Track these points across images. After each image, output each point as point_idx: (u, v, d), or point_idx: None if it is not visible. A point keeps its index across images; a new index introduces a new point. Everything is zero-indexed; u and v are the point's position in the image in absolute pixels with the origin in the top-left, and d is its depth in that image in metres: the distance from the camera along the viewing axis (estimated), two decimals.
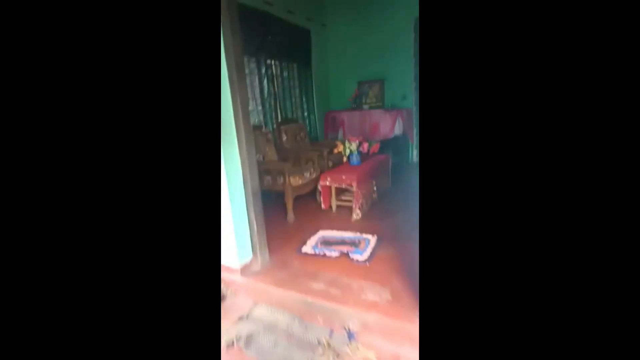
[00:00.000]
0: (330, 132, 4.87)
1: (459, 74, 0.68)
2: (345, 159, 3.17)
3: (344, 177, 2.75)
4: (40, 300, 0.63)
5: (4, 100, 0.61)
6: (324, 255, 2.12)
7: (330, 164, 3.43)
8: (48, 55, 0.63)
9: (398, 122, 4.39)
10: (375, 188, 3.11)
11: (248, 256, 2.00)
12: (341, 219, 2.78)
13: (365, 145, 3.08)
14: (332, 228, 2.57)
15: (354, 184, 2.70)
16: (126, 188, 0.68)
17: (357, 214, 2.74)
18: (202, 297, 0.73)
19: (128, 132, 0.68)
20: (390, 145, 4.24)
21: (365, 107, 4.64)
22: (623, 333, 0.59)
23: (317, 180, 3.04)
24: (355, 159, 3.08)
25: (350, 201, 2.95)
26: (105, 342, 0.66)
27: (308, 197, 3.18)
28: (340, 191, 3.03)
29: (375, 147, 3.19)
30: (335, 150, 3.18)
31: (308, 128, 4.55)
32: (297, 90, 4.49)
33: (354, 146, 3.01)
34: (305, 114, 4.67)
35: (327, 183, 2.84)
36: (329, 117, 4.87)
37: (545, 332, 0.63)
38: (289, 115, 4.30)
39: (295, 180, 2.75)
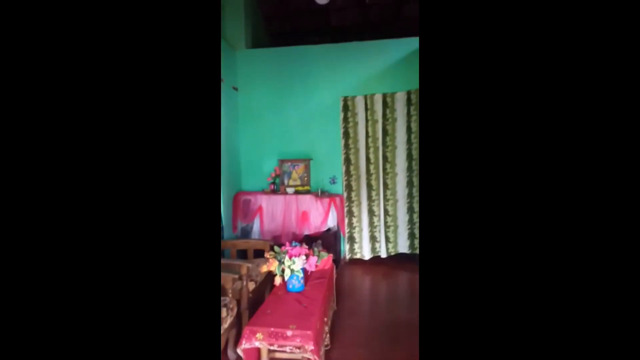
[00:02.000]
0: (242, 222, 3.61)
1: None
2: (278, 280, 1.96)
3: (289, 332, 1.51)
4: (41, 299, 0.62)
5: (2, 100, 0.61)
6: None
7: (252, 285, 2.14)
8: (47, 58, 0.62)
9: (332, 212, 3.50)
10: (326, 327, 1.94)
11: None
12: None
13: (313, 260, 1.98)
14: None
15: (311, 345, 1.48)
16: (125, 191, 0.68)
17: None
18: (201, 298, 0.72)
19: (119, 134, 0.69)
20: (320, 241, 3.29)
21: (290, 190, 3.64)
22: (622, 339, 0.59)
23: (232, 328, 1.70)
24: (297, 282, 1.91)
25: None
26: (104, 344, 0.65)
27: None
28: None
29: (327, 260, 2.11)
30: (264, 268, 1.96)
31: None
32: None
33: (298, 264, 1.86)
34: None
35: (258, 343, 1.53)
36: (239, 201, 3.65)
37: None
38: None
39: None
